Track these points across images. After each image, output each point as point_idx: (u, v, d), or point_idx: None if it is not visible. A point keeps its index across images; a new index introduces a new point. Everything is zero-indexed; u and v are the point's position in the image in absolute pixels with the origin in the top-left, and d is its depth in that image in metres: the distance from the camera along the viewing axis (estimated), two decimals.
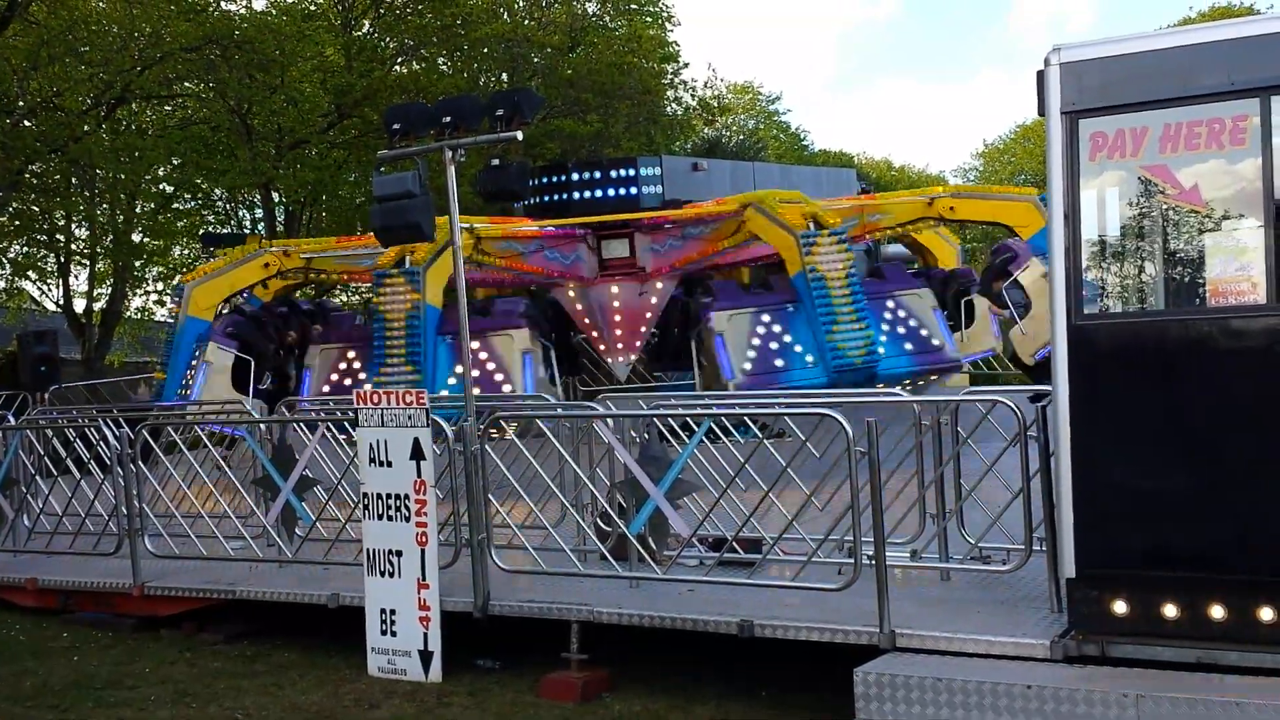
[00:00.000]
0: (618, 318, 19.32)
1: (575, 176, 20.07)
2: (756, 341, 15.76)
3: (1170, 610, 6.39)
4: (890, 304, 16.41)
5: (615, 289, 19.04)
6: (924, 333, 16.29)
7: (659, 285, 18.99)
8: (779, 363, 15.60)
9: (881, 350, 15.67)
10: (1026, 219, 18.44)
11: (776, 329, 15.83)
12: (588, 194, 19.65)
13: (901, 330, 16.26)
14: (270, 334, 18.50)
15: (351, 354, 16.63)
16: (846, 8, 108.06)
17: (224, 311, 18.33)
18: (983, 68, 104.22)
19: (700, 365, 17.07)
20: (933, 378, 16.49)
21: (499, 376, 15.77)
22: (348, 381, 16.25)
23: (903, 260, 22.00)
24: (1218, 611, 6.29)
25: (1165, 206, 6.63)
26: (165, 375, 17.84)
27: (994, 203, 19.36)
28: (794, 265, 15.94)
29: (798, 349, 15.68)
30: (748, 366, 15.56)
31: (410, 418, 8.63)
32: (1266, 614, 6.19)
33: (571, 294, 19.34)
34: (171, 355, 17.85)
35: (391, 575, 8.69)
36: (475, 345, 15.72)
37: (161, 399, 17.45)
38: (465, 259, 16.59)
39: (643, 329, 19.33)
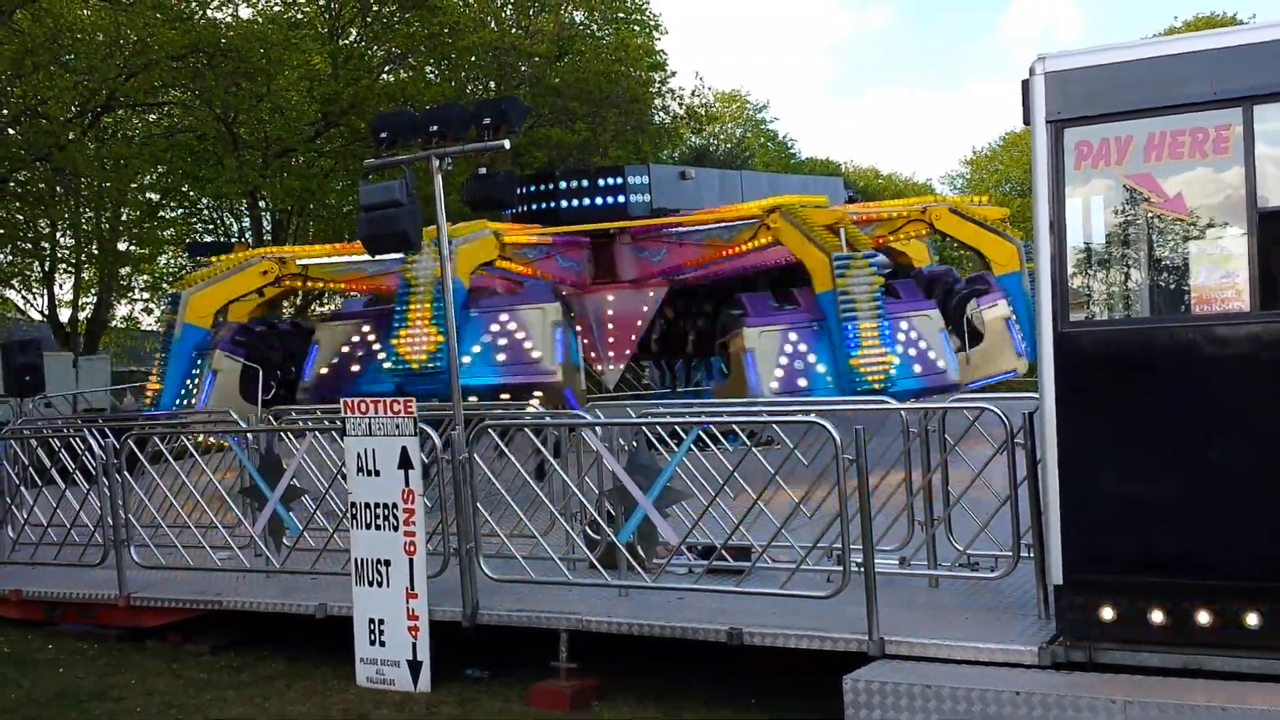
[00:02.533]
0: (610, 325, 19.33)
1: (563, 185, 20.07)
2: (784, 360, 15.85)
3: (1157, 616, 6.42)
4: (904, 325, 16.51)
5: (610, 296, 19.05)
6: (931, 355, 16.46)
7: (651, 294, 19.01)
8: (802, 382, 15.70)
9: (894, 372, 15.80)
10: (1006, 258, 18.80)
11: (802, 348, 15.93)
12: (575, 203, 19.64)
13: (912, 352, 16.38)
14: (275, 344, 18.43)
15: (365, 328, 16.34)
16: (838, 17, 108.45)
17: (222, 320, 18.26)
18: (973, 76, 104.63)
19: (724, 374, 17.05)
20: (934, 397, 16.61)
21: (529, 344, 15.62)
22: (359, 353, 15.96)
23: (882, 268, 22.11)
24: (1204, 617, 6.32)
25: (1150, 215, 6.67)
26: (160, 384, 17.66)
27: (980, 230, 19.51)
28: (823, 284, 16.04)
29: (820, 369, 15.79)
30: (774, 385, 15.61)
31: (398, 426, 8.61)
32: (1252, 619, 6.22)
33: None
34: (169, 363, 17.69)
35: (380, 585, 8.67)
36: (505, 317, 15.69)
37: (159, 407, 17.27)
38: (488, 263, 16.70)
39: (633, 337, 19.33)
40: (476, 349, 15.49)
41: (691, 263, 18.58)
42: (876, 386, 15.22)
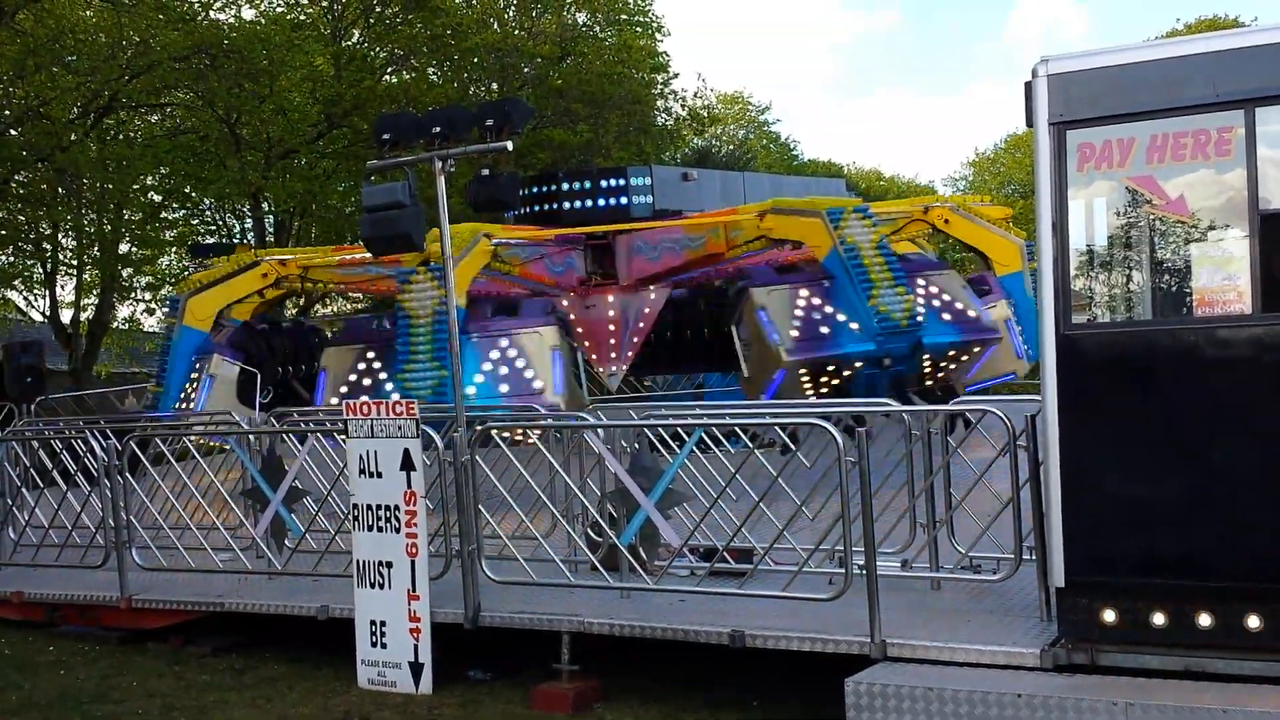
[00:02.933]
0: (611, 327, 19.29)
1: (565, 186, 20.05)
2: (799, 313, 15.78)
3: (1159, 618, 6.42)
4: (921, 281, 16.45)
5: (610, 298, 19.03)
6: (959, 305, 16.35)
7: (653, 295, 18.99)
8: (825, 330, 15.61)
9: (921, 318, 15.70)
10: (1008, 258, 18.61)
11: (816, 301, 15.86)
12: (578, 204, 19.62)
13: (937, 304, 16.28)
14: (273, 347, 18.40)
15: (370, 354, 16.33)
16: (844, 19, 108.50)
17: (225, 323, 18.26)
18: (978, 78, 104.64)
19: (745, 359, 16.94)
20: (975, 350, 16.47)
21: (529, 374, 15.61)
22: (366, 381, 15.90)
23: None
24: (1205, 619, 6.32)
25: (1152, 217, 6.67)
26: (159, 386, 17.66)
27: (982, 231, 19.31)
28: (823, 246, 16.01)
29: (841, 317, 15.71)
30: (795, 334, 15.55)
31: (400, 428, 8.61)
32: (1253, 621, 6.22)
33: (566, 303, 19.33)
34: (168, 366, 17.66)
35: (381, 587, 8.67)
36: (505, 343, 15.61)
37: (158, 410, 17.27)
38: (484, 266, 16.66)
39: (635, 339, 19.31)
40: (479, 379, 15.48)
41: (685, 265, 18.55)
42: (904, 324, 15.20)
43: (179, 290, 19.02)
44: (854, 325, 15.54)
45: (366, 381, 16.06)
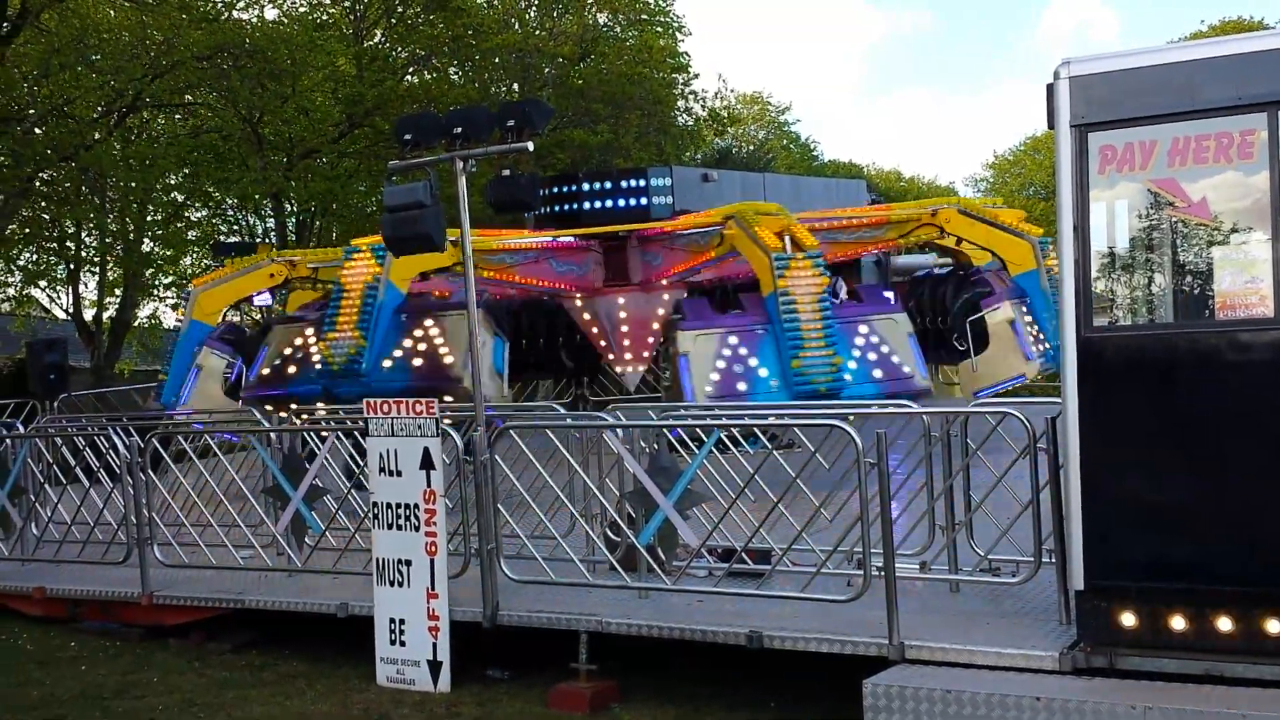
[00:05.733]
0: (625, 328, 19.27)
1: (585, 187, 20.06)
2: (721, 364, 15.55)
3: (1178, 622, 6.40)
4: (863, 329, 16.09)
5: (621, 299, 19.02)
6: (895, 359, 15.95)
7: (665, 296, 18.97)
8: (741, 386, 15.38)
9: (849, 377, 15.47)
10: (1020, 257, 18.05)
11: (743, 351, 15.62)
12: (598, 204, 19.62)
13: (872, 356, 15.92)
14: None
15: (309, 330, 16.40)
16: (875, 20, 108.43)
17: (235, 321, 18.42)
18: (1007, 80, 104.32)
19: (665, 392, 16.91)
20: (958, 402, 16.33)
21: (450, 359, 15.66)
22: (299, 355, 15.94)
23: (919, 269, 21.73)
24: (1225, 624, 6.29)
25: (1174, 220, 6.64)
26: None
27: (992, 230, 18.69)
28: (767, 286, 15.73)
29: (762, 372, 15.48)
30: (709, 390, 15.37)
31: (420, 427, 8.65)
32: (1273, 626, 6.19)
33: (579, 304, 19.33)
34: (174, 357, 17.89)
35: (401, 585, 8.70)
36: (429, 323, 15.81)
37: (162, 400, 17.38)
38: (447, 270, 16.79)
39: (650, 339, 19.31)
40: (398, 353, 15.66)
41: (679, 268, 18.51)
42: (822, 390, 14.96)
43: (193, 284, 19.15)
44: (774, 382, 15.15)
45: (299, 355, 16.14)
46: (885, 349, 15.72)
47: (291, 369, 16.11)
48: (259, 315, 26.29)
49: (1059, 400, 6.90)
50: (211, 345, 17.46)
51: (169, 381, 17.71)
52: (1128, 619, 6.51)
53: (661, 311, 19.06)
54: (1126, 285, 6.90)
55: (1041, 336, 17.24)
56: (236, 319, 25.13)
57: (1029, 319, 17.15)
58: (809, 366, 14.95)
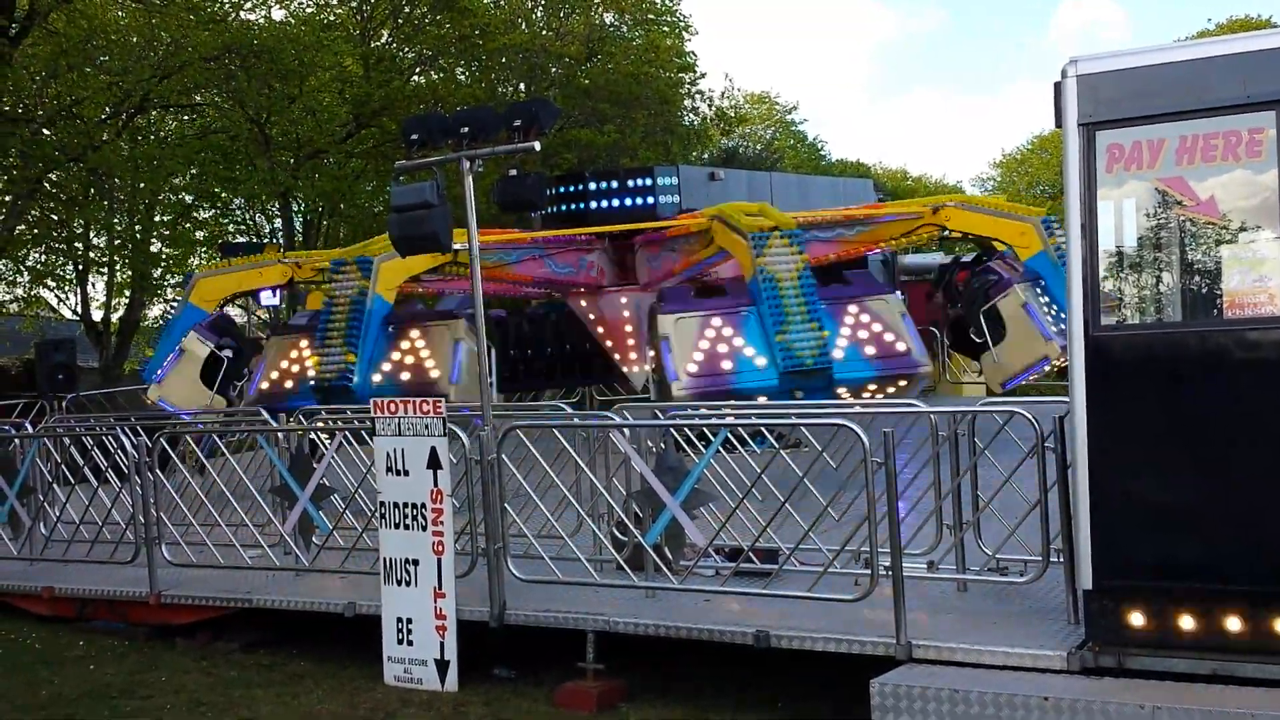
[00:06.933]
0: (629, 328, 19.29)
1: (592, 186, 20.09)
2: (704, 344, 15.42)
3: (1187, 622, 6.38)
4: (853, 308, 15.89)
5: (624, 299, 19.04)
6: (888, 337, 15.72)
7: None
8: (726, 365, 15.26)
9: (840, 354, 15.29)
10: (1027, 240, 17.66)
11: (727, 332, 15.53)
12: (604, 204, 19.66)
13: (864, 335, 15.71)
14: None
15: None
16: (888, 20, 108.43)
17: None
18: (1018, 79, 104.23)
19: (653, 380, 16.82)
20: (901, 383, 16.01)
21: (430, 363, 15.90)
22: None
23: (928, 269, 21.59)
24: (1234, 623, 6.27)
25: (1182, 218, 6.62)
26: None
27: (995, 219, 18.38)
28: (748, 270, 15.69)
29: (748, 352, 15.37)
30: (692, 369, 15.27)
31: (427, 427, 8.65)
32: None
33: (584, 303, 19.37)
34: (163, 337, 17.91)
35: (408, 584, 8.71)
36: (416, 334, 16.06)
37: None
38: (436, 270, 16.93)
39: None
40: (387, 366, 15.90)
41: (678, 268, 18.51)
42: (809, 364, 14.80)
43: (198, 269, 19.15)
44: (760, 360, 15.11)
45: (295, 369, 16.31)
46: (878, 327, 15.56)
47: (289, 383, 16.20)
48: (266, 315, 26.36)
49: (1067, 399, 6.88)
50: (199, 332, 17.45)
51: (153, 359, 17.84)
52: (1136, 618, 6.49)
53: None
54: (1134, 284, 6.87)
55: (1062, 316, 17.03)
56: (242, 319, 25.18)
57: (1045, 300, 16.89)
58: (794, 341, 14.87)
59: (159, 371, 17.44)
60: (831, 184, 26.85)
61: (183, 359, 17.24)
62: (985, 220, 18.43)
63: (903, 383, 15.54)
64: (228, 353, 17.47)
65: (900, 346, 15.49)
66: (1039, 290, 16.93)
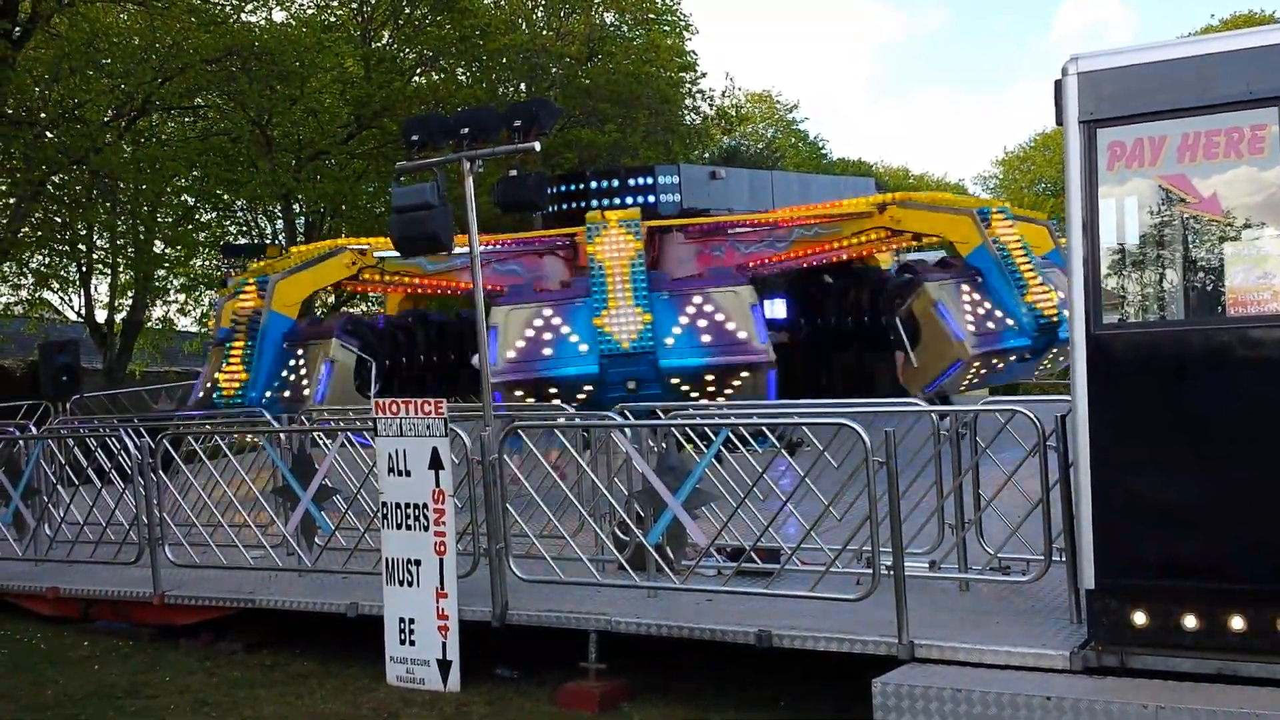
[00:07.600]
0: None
1: (593, 185, 20.09)
2: (530, 332, 15.67)
3: (1190, 621, 6.36)
4: (697, 299, 15.89)
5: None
6: (730, 326, 15.69)
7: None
8: (547, 351, 15.55)
9: (670, 341, 15.52)
10: (964, 234, 17.29)
11: (555, 321, 15.71)
12: (605, 203, 19.66)
13: (702, 324, 15.70)
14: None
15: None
16: (886, 18, 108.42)
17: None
18: (1021, 77, 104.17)
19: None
20: (744, 374, 15.78)
21: (304, 382, 16.45)
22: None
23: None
24: (1238, 622, 6.26)
25: (1184, 216, 6.61)
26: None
27: (933, 214, 18.04)
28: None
29: (573, 339, 15.61)
30: (511, 355, 15.49)
31: (429, 427, 8.65)
32: None
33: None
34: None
35: (410, 584, 8.71)
36: (300, 351, 16.69)
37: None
38: (351, 278, 17.26)
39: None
40: (276, 383, 16.56)
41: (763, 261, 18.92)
42: (626, 347, 15.14)
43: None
44: (583, 347, 15.51)
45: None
46: (720, 317, 15.82)
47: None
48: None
49: (1069, 398, 6.87)
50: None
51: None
52: (1139, 618, 6.48)
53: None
54: (1137, 282, 6.87)
55: (996, 313, 16.81)
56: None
57: (977, 296, 16.79)
58: (612, 323, 15.16)
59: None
60: (833, 183, 26.76)
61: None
62: (924, 216, 18.12)
63: (744, 373, 15.64)
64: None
65: (741, 335, 15.66)
66: (965, 288, 16.78)
